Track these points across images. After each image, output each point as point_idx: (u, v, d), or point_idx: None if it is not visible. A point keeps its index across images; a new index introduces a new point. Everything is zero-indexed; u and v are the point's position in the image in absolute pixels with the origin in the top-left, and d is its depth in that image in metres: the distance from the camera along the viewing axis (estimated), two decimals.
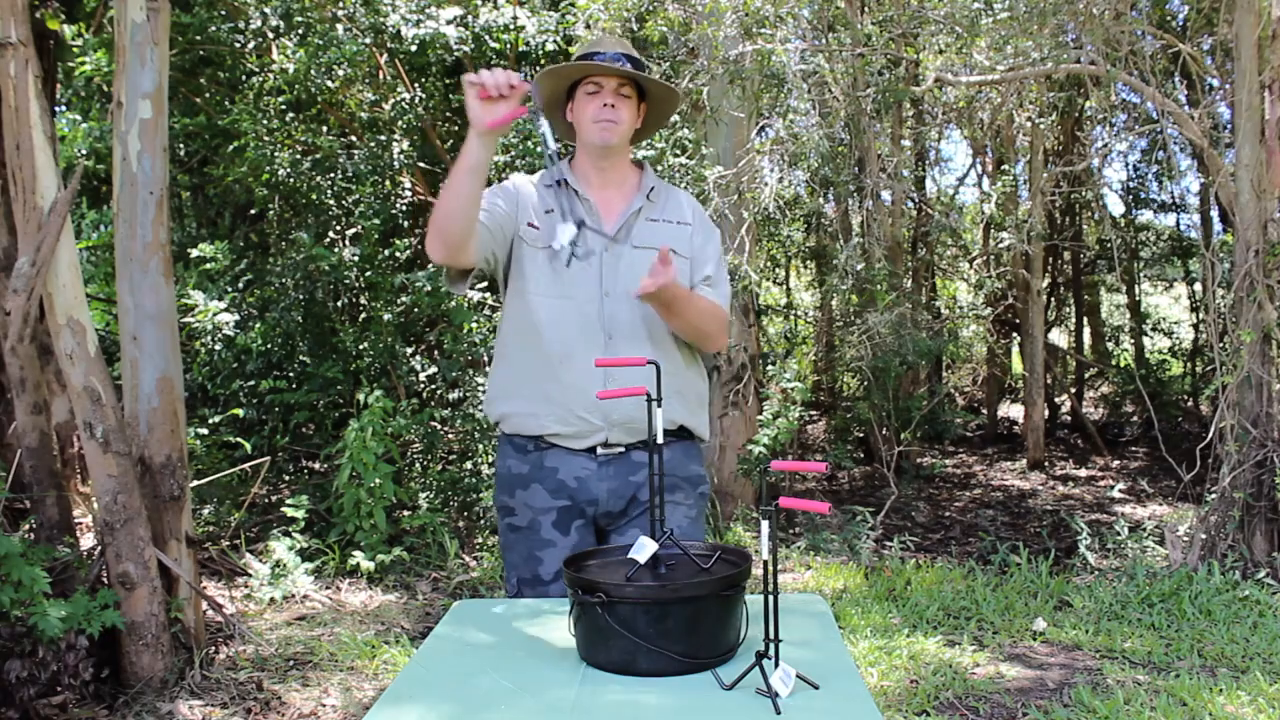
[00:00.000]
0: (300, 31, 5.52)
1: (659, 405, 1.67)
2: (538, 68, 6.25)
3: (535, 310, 1.98)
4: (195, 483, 4.43)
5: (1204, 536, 4.40)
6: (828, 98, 5.92)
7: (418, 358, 5.72)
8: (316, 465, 5.84)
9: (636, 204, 2.05)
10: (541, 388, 1.97)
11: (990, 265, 7.77)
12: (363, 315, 5.87)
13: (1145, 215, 10.13)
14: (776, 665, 1.35)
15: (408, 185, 6.10)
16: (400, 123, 5.69)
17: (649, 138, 2.23)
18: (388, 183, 5.94)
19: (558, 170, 1.99)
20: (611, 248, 2.00)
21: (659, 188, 2.11)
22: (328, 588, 4.35)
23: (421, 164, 5.91)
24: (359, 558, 4.42)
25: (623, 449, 2.00)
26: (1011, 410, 11.09)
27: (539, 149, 1.95)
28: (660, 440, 1.68)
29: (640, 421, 1.94)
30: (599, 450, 1.99)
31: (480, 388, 5.19)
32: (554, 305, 1.97)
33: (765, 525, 1.33)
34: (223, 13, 5.63)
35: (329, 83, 5.50)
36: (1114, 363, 10.29)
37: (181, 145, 6.03)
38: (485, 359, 5.23)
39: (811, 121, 5.35)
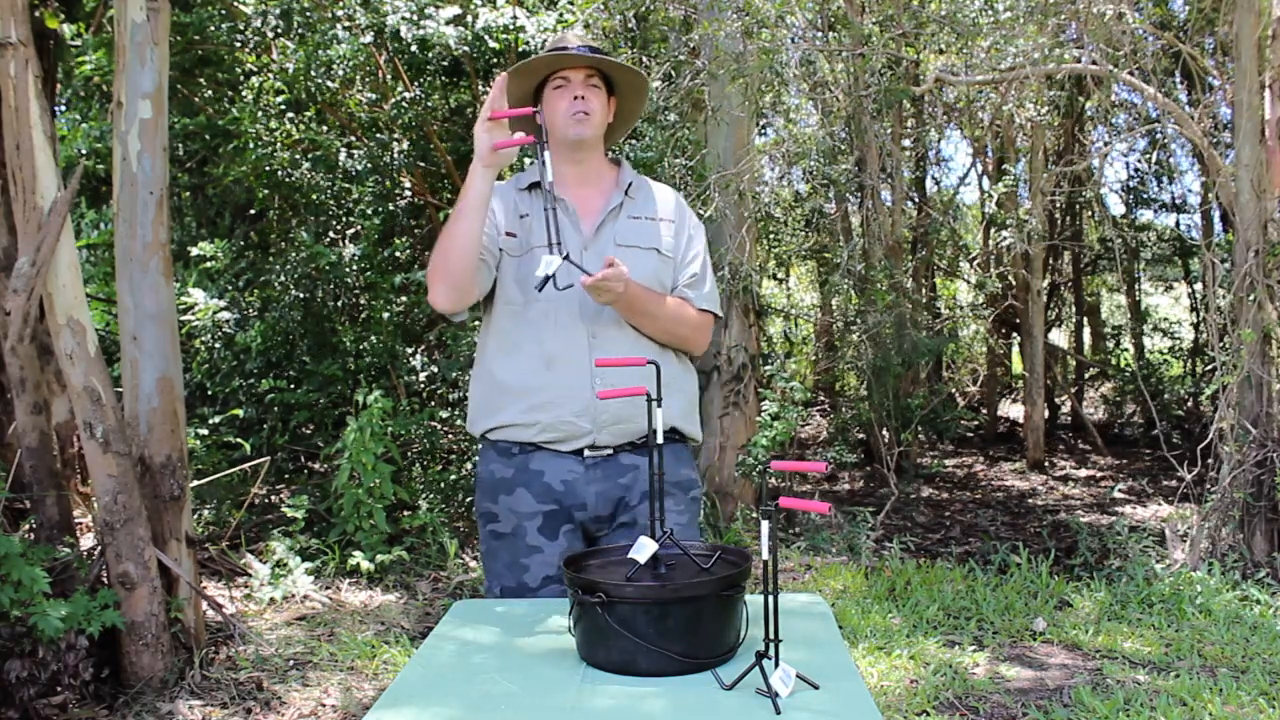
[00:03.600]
0: (300, 31, 5.51)
1: (659, 405, 1.67)
2: None
3: (516, 317, 1.95)
4: (195, 483, 4.43)
5: (1204, 537, 4.40)
6: (828, 97, 5.92)
7: (418, 357, 5.72)
8: (316, 465, 5.84)
9: (615, 200, 2.01)
10: (528, 397, 1.92)
11: (990, 265, 7.76)
12: (363, 315, 5.87)
13: (1145, 215, 10.12)
14: (776, 665, 1.35)
15: (407, 185, 6.10)
16: (400, 122, 5.69)
17: (623, 134, 2.20)
18: (388, 182, 5.93)
19: (532, 171, 1.94)
20: (591, 245, 1.96)
21: (637, 183, 2.07)
22: (328, 588, 4.35)
23: (421, 164, 5.90)
24: (359, 558, 4.42)
25: (610, 451, 1.96)
26: (1012, 410, 11.09)
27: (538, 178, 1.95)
28: (660, 440, 1.67)
29: (629, 422, 1.93)
30: (587, 453, 1.94)
31: None
32: (535, 309, 1.93)
33: (765, 525, 1.32)
34: (222, 12, 5.63)
35: (329, 83, 5.49)
36: (1114, 363, 10.28)
37: (181, 145, 6.03)
38: None
39: (812, 121, 5.36)
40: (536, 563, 1.94)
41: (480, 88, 5.96)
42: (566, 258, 1.84)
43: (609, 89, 2.04)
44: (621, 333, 1.94)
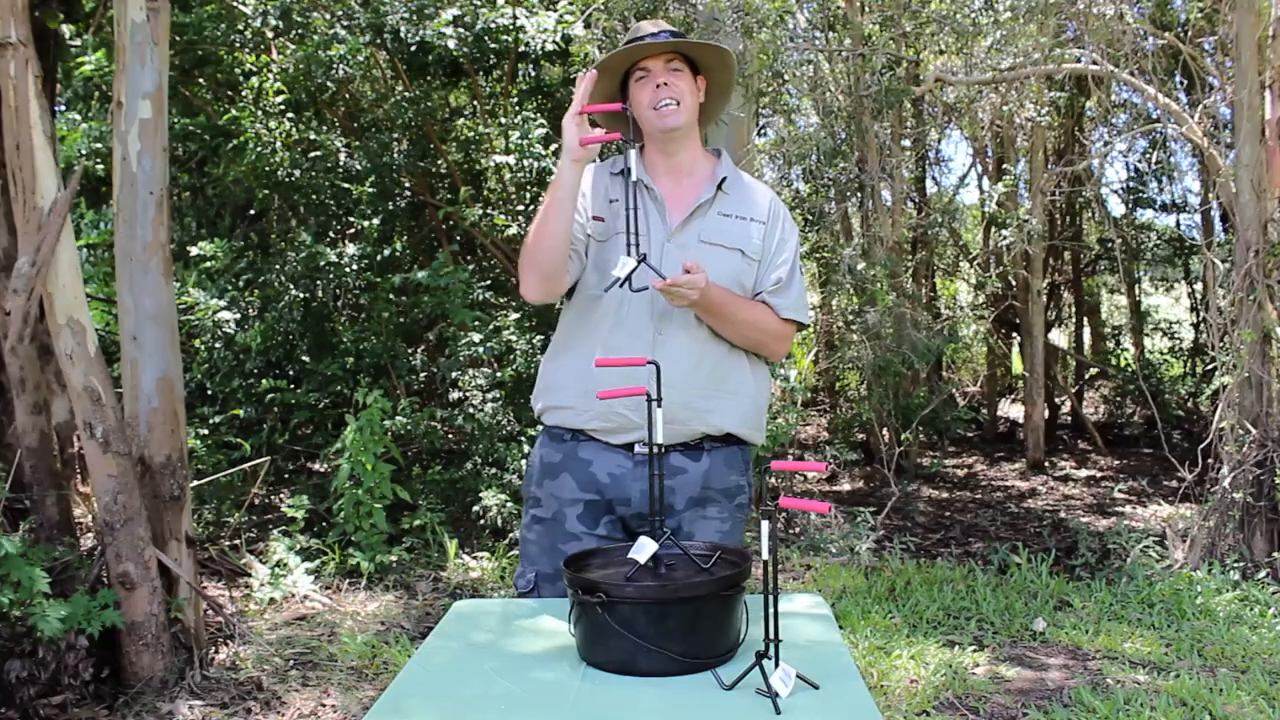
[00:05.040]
0: (299, 31, 5.51)
1: (659, 405, 1.67)
2: (534, 67, 6.25)
3: (591, 303, 1.96)
4: (195, 483, 4.43)
5: (1204, 537, 4.40)
6: (828, 98, 5.92)
7: (418, 357, 5.71)
8: (316, 465, 5.84)
9: (706, 195, 1.97)
10: (586, 383, 1.92)
11: (990, 265, 7.76)
12: (363, 315, 5.87)
13: (1145, 215, 10.11)
14: (776, 665, 1.35)
15: (407, 185, 6.10)
16: (400, 122, 5.69)
17: (721, 109, 2.14)
18: (387, 182, 5.93)
19: (624, 158, 1.90)
20: (674, 238, 1.94)
21: (733, 178, 2.02)
22: (328, 588, 4.35)
23: (421, 164, 5.91)
24: (359, 558, 4.42)
25: (661, 450, 1.95)
26: (1012, 410, 11.08)
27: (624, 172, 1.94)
28: (660, 440, 1.68)
29: (681, 424, 1.90)
30: (637, 448, 1.93)
31: (480, 386, 5.19)
32: (609, 298, 1.92)
33: (765, 525, 1.33)
34: (221, 12, 5.63)
35: (329, 83, 5.49)
36: (1114, 363, 10.28)
37: (181, 145, 6.03)
38: (485, 358, 5.23)
39: (812, 121, 5.36)
40: (574, 550, 1.91)
41: (481, 87, 5.96)
42: (643, 259, 1.83)
43: (694, 69, 1.99)
44: (687, 334, 1.92)
